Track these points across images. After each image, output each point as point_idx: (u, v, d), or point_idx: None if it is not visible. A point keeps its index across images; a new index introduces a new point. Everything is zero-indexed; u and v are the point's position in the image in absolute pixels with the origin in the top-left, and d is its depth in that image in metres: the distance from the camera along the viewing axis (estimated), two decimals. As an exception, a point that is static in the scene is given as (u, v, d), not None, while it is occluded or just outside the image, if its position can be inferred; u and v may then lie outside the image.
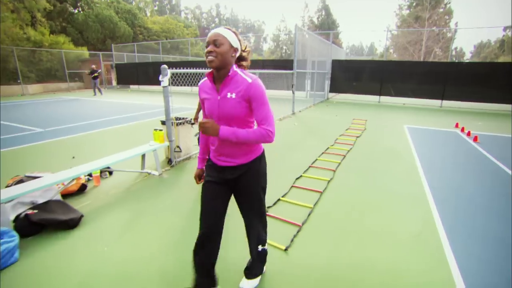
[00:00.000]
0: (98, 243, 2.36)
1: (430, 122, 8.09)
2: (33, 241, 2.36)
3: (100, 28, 26.18)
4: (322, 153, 4.88)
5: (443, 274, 2.00)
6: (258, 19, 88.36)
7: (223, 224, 1.65)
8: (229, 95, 1.43)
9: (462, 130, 6.81)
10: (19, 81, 15.75)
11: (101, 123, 7.55)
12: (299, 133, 6.54)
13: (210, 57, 1.37)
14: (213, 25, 63.49)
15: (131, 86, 21.02)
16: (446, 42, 29.27)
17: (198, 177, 1.79)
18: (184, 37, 35.15)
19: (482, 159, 4.73)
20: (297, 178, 3.72)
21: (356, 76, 13.01)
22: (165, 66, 3.69)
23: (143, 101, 12.93)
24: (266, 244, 1.88)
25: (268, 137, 1.44)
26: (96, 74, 15.17)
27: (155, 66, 18.82)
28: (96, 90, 15.46)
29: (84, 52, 21.43)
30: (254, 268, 1.87)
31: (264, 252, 1.86)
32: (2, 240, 2.06)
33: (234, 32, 1.45)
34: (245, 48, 1.55)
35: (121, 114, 9.07)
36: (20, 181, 3.04)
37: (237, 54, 1.48)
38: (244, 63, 1.57)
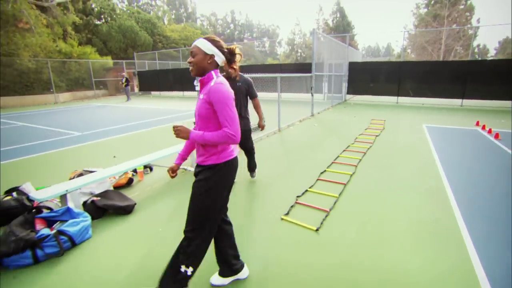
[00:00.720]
0: (152, 226, 2.75)
1: (449, 121, 8.13)
2: (99, 223, 2.78)
3: (122, 38, 27.46)
4: (343, 150, 5.14)
5: (461, 258, 2.23)
6: (273, 23, 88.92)
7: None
8: (201, 96, 1.61)
9: (483, 128, 6.84)
10: (52, 90, 16.88)
11: (131, 127, 8.11)
12: (320, 133, 6.80)
13: (190, 68, 1.61)
14: (228, 31, 64.64)
15: (153, 93, 21.92)
16: (468, 40, 28.56)
17: (171, 171, 1.87)
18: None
19: (502, 154, 4.83)
20: (321, 172, 4.01)
21: (373, 77, 13.11)
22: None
23: (166, 106, 13.58)
24: (190, 270, 1.64)
25: (230, 139, 1.52)
26: (124, 82, 16.16)
27: (175, 73, 19.59)
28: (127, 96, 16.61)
29: (109, 61, 22.57)
30: (166, 279, 1.70)
31: (182, 275, 1.63)
32: (79, 219, 2.48)
33: (211, 40, 1.58)
34: (234, 51, 1.67)
35: (148, 119, 9.65)
36: (80, 175, 3.51)
37: (218, 59, 1.61)
38: (234, 65, 1.71)
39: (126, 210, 2.94)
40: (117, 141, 6.43)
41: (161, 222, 2.81)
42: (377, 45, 66.82)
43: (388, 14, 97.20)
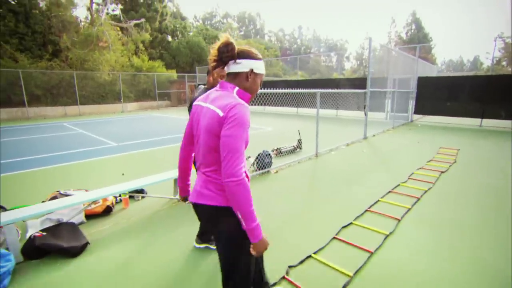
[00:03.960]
0: (94, 277, 2.12)
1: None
2: (29, 266, 2.26)
3: (189, 52, 29.41)
4: (388, 192, 3.86)
5: None
6: (341, 38, 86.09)
7: None
8: None
9: None
10: (121, 100, 18.61)
11: (171, 140, 7.97)
12: (365, 162, 5.51)
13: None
14: (295, 46, 64.74)
15: (210, 105, 22.64)
16: None
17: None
18: (264, 58, 36.84)
19: None
20: (344, 226, 2.90)
21: (449, 95, 10.87)
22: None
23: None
24: None
25: None
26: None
27: (231, 86, 19.82)
28: None
29: (173, 74, 24.23)
30: None
31: None
32: (-7, 266, 1.99)
33: None
34: None
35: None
36: (54, 198, 3.13)
37: None
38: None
39: (71, 253, 2.37)
40: (144, 155, 6.22)
41: (105, 274, 2.16)
42: (460, 58, 59.14)
43: (476, 22, 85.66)
